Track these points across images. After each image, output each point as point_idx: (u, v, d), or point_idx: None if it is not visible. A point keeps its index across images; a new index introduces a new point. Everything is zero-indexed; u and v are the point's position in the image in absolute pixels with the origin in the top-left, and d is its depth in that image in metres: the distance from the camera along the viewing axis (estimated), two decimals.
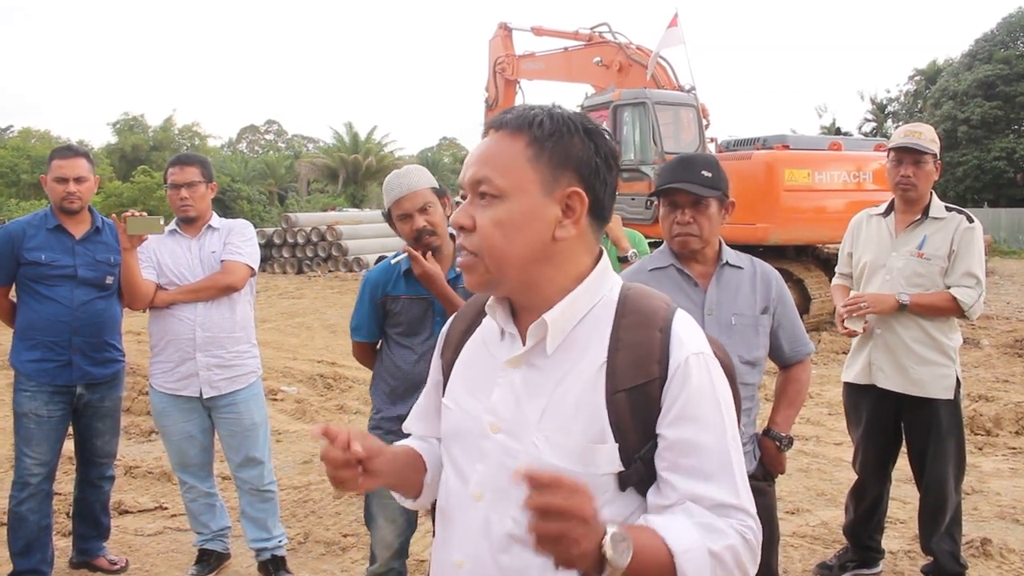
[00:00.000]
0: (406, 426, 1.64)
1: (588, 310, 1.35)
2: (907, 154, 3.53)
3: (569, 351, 1.33)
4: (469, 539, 1.37)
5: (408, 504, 1.57)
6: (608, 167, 1.35)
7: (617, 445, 1.28)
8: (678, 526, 1.22)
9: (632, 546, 1.13)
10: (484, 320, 1.48)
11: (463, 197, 1.39)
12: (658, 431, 1.30)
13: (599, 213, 1.36)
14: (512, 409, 1.35)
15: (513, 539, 1.31)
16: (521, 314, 1.40)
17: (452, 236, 2.93)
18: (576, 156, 1.32)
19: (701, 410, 1.29)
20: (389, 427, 2.88)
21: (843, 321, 3.60)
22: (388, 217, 2.95)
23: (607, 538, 1.11)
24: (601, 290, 1.37)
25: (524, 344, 1.36)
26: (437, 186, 2.92)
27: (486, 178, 1.31)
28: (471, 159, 1.36)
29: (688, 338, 1.33)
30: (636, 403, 1.29)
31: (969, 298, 3.44)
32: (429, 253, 2.84)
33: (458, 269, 2.76)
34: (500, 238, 1.31)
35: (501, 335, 1.43)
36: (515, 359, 1.37)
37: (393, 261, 2.91)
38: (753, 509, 1.29)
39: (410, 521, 3.00)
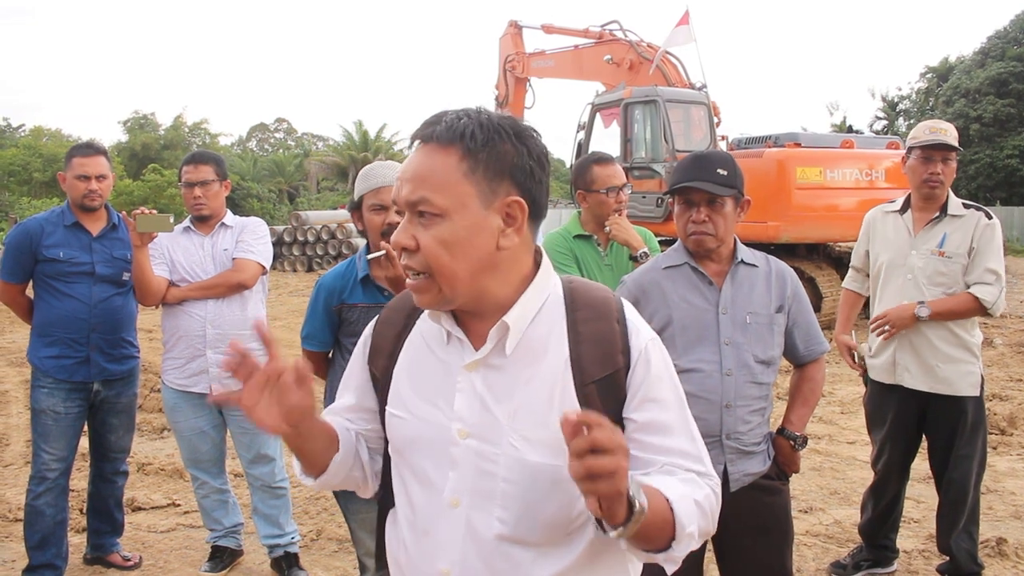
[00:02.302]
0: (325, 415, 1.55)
1: (539, 308, 1.37)
2: (936, 151, 3.50)
3: (527, 349, 1.35)
4: (453, 546, 1.35)
5: (308, 482, 1.47)
6: (541, 167, 1.35)
7: None
8: (667, 481, 1.28)
9: (643, 489, 1.18)
10: (418, 323, 1.46)
11: (398, 212, 1.36)
12: (625, 415, 1.35)
13: (537, 213, 1.36)
14: (479, 413, 1.34)
15: (502, 539, 1.32)
16: (466, 319, 1.38)
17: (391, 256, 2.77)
18: (511, 163, 1.31)
19: (662, 392, 1.37)
20: None
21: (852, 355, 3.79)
22: (356, 206, 2.78)
23: (629, 482, 1.14)
24: (547, 288, 1.40)
25: (476, 348, 1.36)
26: None
27: (423, 198, 1.29)
28: (404, 176, 1.32)
29: (641, 326, 1.41)
30: (605, 393, 1.34)
31: (991, 295, 3.42)
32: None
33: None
34: (447, 256, 1.29)
35: (447, 339, 1.41)
36: (473, 363, 1.35)
37: (369, 257, 2.70)
38: (712, 471, 1.38)
39: None
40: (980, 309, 3.44)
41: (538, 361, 1.34)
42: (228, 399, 1.28)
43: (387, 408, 1.45)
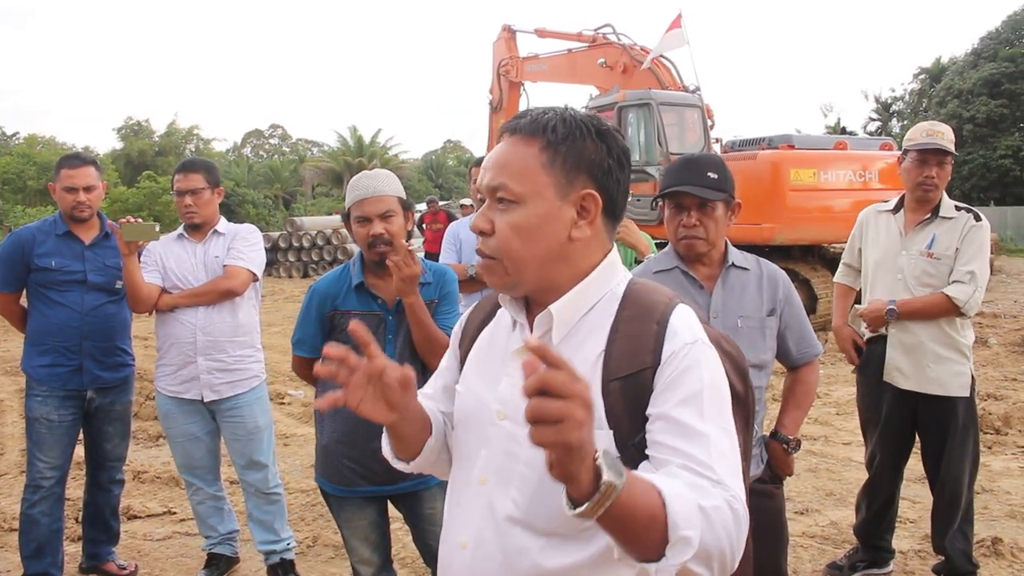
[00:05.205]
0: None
1: (595, 303, 1.39)
2: (932, 155, 3.50)
3: (571, 341, 1.37)
4: (474, 521, 1.41)
5: (400, 465, 1.54)
6: (620, 167, 1.39)
7: (611, 432, 1.31)
8: (665, 479, 1.18)
9: (626, 471, 1.07)
10: (499, 311, 1.53)
11: (481, 201, 1.43)
12: (647, 412, 1.31)
13: (612, 212, 1.40)
14: (518, 397, 1.36)
15: (512, 521, 1.35)
16: (534, 307, 1.43)
17: (410, 251, 2.75)
18: (589, 158, 1.36)
19: (686, 391, 1.28)
20: (339, 450, 2.75)
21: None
22: (346, 218, 2.77)
23: (600, 453, 1.05)
24: (608, 284, 1.40)
25: (531, 334, 1.40)
26: (404, 197, 2.78)
27: (503, 184, 1.35)
28: (487, 164, 1.39)
29: (683, 329, 1.34)
30: (628, 392, 1.31)
31: (963, 294, 3.41)
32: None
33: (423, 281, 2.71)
34: (518, 241, 1.35)
35: (513, 326, 1.47)
36: (521, 349, 1.39)
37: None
38: (739, 489, 1.23)
39: (384, 534, 2.89)
40: (953, 308, 3.44)
41: (577, 354, 1.34)
42: (334, 403, 1.29)
43: (456, 386, 1.54)
